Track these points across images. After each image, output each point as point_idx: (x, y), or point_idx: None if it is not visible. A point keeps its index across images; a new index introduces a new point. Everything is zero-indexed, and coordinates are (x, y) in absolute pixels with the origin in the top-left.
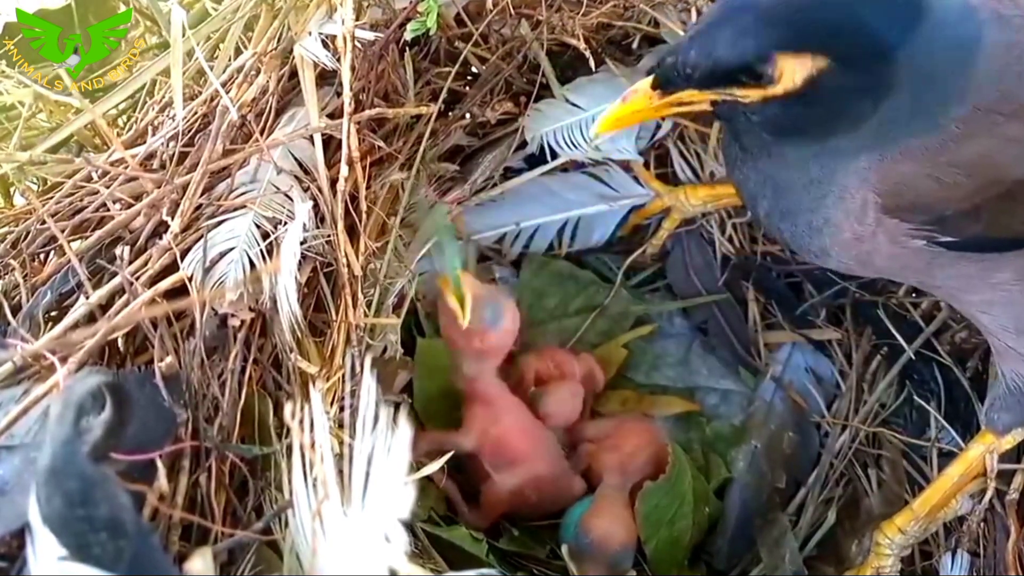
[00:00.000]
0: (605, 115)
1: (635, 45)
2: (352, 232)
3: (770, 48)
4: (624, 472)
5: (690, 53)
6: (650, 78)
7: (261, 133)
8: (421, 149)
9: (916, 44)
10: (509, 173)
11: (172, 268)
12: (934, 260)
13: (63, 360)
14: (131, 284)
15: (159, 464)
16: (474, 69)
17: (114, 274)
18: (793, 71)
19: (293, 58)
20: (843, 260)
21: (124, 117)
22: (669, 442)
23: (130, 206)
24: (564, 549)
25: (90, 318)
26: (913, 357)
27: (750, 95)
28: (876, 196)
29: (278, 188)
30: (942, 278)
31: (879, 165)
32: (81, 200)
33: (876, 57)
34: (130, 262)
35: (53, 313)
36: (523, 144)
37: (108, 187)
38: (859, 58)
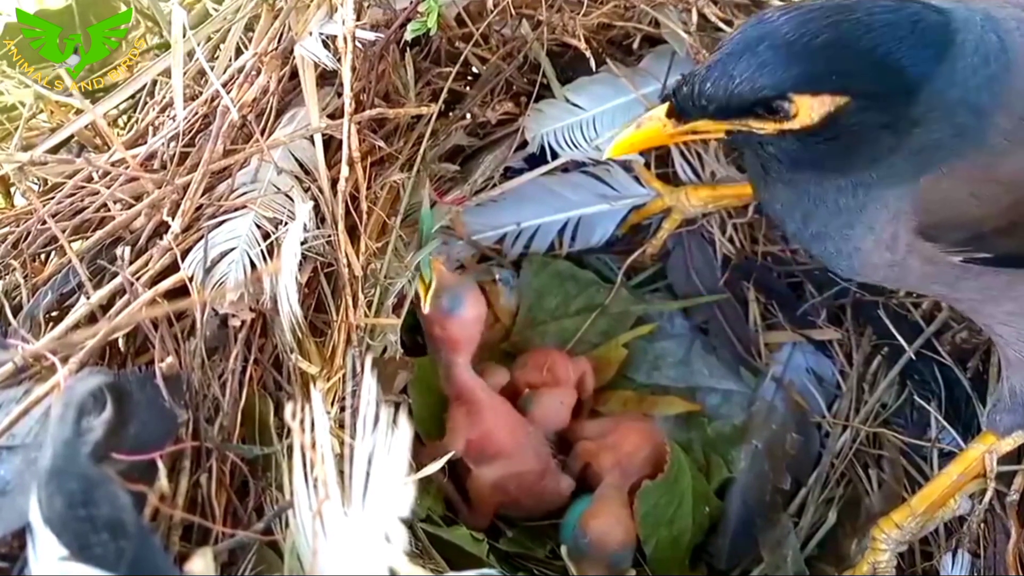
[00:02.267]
0: (619, 140)
1: (636, 45)
2: (353, 232)
3: (787, 88)
4: (623, 471)
5: (706, 84)
6: (665, 105)
7: (262, 133)
8: (422, 149)
9: (944, 72)
10: (509, 173)
11: (173, 268)
12: (962, 275)
13: (64, 360)
14: (132, 284)
15: (160, 464)
16: (475, 69)
17: (115, 274)
18: (810, 109)
19: (294, 58)
20: (873, 279)
21: (125, 117)
22: (668, 441)
23: (131, 206)
24: (563, 549)
25: (91, 318)
26: (914, 357)
27: (765, 127)
28: (912, 223)
29: (279, 188)
30: (966, 291)
31: (915, 193)
32: (82, 200)
33: (900, 95)
34: (131, 262)
35: (54, 313)
36: (524, 144)
37: (109, 187)
38: (882, 96)
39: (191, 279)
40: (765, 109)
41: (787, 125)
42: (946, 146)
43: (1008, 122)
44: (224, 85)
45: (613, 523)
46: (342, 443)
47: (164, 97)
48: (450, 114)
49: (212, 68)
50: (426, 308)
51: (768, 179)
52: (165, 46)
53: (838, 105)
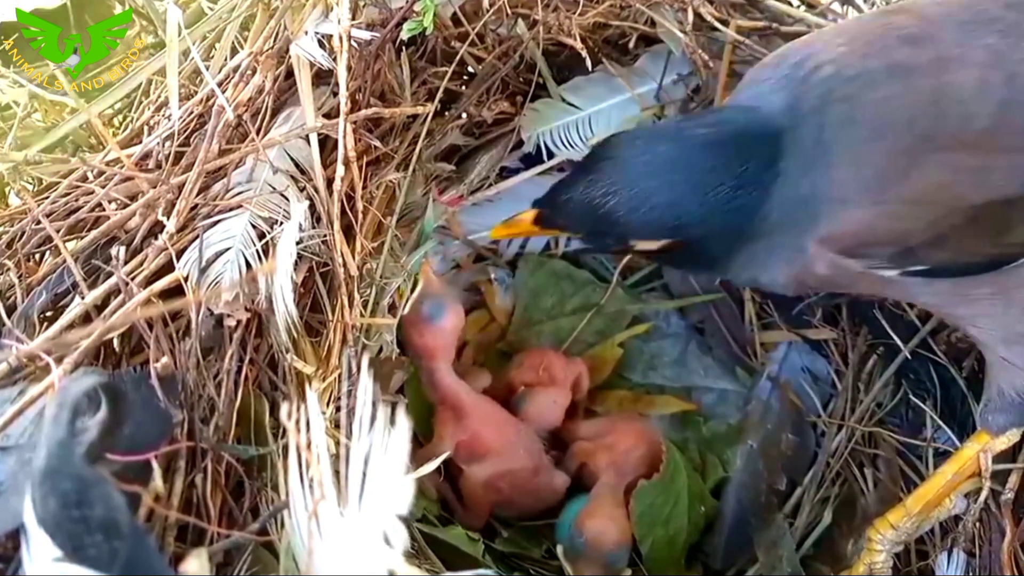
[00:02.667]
0: (496, 226)
1: (631, 44)
2: (348, 232)
3: (626, 237)
4: (619, 471)
5: (564, 210)
6: (534, 212)
7: (257, 133)
8: (417, 149)
9: (775, 190)
10: (505, 173)
11: (168, 268)
12: (910, 285)
13: (58, 361)
14: (127, 284)
15: (155, 465)
16: (470, 69)
17: (110, 274)
18: (649, 246)
19: (289, 58)
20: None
21: (120, 117)
22: (663, 441)
23: (126, 206)
24: (559, 549)
25: (85, 318)
26: (909, 356)
27: (615, 252)
28: (826, 252)
29: (274, 188)
30: (924, 296)
31: (817, 236)
32: (76, 200)
33: (728, 231)
34: (126, 262)
35: (48, 313)
36: (519, 144)
37: (104, 187)
38: (716, 235)
39: (186, 279)
40: (615, 243)
41: (634, 249)
42: (811, 224)
43: (856, 178)
44: (219, 84)
45: (608, 522)
46: (338, 443)
47: (159, 96)
48: (446, 113)
49: (207, 67)
50: (405, 310)
51: None
52: (160, 45)
53: (674, 243)
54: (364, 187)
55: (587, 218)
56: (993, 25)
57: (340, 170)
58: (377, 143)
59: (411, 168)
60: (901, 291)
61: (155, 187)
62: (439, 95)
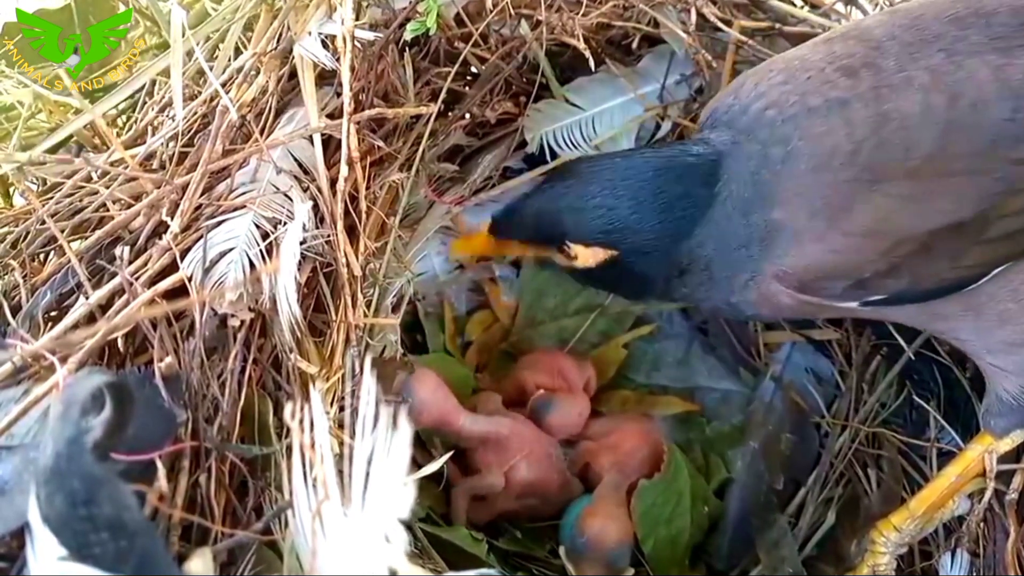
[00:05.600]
0: (453, 243)
1: (635, 45)
2: (352, 232)
3: (562, 239)
4: (622, 471)
5: (515, 218)
6: (489, 223)
7: (261, 133)
8: (421, 149)
9: (711, 216)
10: (509, 173)
11: (172, 268)
12: (876, 311)
13: (63, 360)
14: (131, 284)
15: (159, 464)
16: (474, 69)
17: (114, 274)
18: (587, 255)
19: (293, 58)
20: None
21: (124, 117)
22: (665, 440)
23: (130, 206)
24: (561, 549)
25: (90, 318)
26: (913, 357)
27: (561, 260)
28: (780, 293)
29: (278, 188)
30: (897, 317)
31: (756, 285)
32: (81, 200)
33: (667, 248)
34: (130, 262)
35: (53, 313)
36: (523, 144)
37: (108, 187)
38: (645, 252)
39: (190, 279)
40: (557, 247)
41: (575, 263)
42: (748, 259)
43: (801, 212)
44: (223, 85)
45: (609, 521)
46: (341, 443)
47: (163, 97)
48: (449, 114)
49: (211, 68)
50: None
51: None
52: (164, 46)
53: (610, 255)
54: (367, 187)
55: (533, 221)
56: (936, 43)
57: (343, 170)
58: (380, 143)
59: (414, 168)
60: (873, 314)
61: (159, 187)
62: (442, 95)
